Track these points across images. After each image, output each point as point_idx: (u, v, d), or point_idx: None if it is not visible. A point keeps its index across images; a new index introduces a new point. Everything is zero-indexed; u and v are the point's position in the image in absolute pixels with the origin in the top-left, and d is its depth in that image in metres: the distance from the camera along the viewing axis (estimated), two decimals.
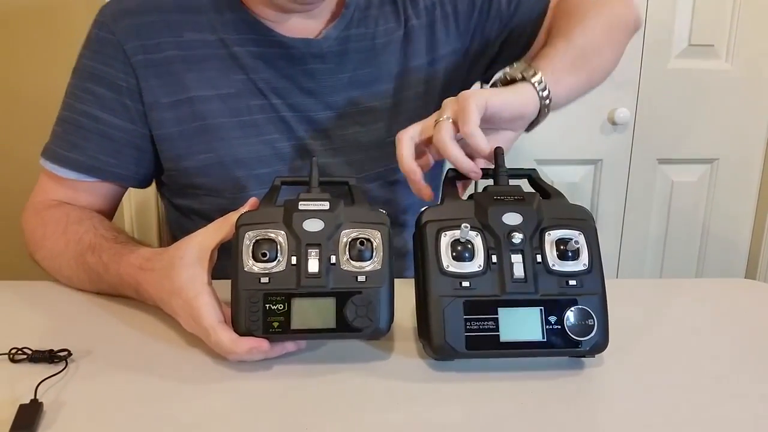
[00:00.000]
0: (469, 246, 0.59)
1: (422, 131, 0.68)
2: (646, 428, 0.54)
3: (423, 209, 0.63)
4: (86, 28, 0.84)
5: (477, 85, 0.99)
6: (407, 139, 0.67)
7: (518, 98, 0.70)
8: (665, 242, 1.66)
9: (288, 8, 0.81)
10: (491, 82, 0.77)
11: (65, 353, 0.62)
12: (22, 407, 0.53)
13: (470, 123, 0.64)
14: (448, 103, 0.68)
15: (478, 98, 0.66)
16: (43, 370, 0.60)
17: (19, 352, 0.62)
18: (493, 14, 0.91)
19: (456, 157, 0.65)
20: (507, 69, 0.74)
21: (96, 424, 0.53)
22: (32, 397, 0.55)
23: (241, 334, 0.59)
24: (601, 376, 0.61)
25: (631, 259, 1.65)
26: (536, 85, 0.71)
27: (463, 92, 0.68)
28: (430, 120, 0.68)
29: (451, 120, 0.66)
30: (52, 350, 0.62)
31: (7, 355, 0.62)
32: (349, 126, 0.87)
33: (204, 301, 0.61)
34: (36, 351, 0.62)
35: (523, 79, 0.72)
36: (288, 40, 0.83)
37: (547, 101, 0.72)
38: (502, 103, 0.68)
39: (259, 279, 0.58)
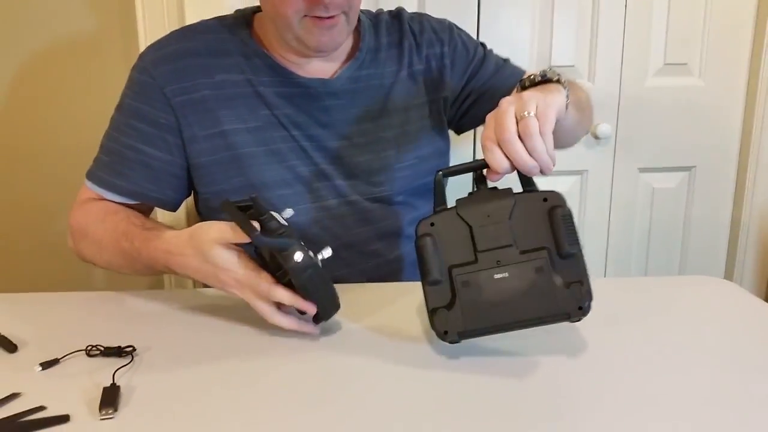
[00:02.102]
0: None
1: (495, 126, 0.71)
2: (617, 415, 0.67)
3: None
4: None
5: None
6: (494, 146, 0.70)
7: (563, 100, 0.78)
8: (648, 245, 1.75)
9: (308, 55, 0.94)
10: (525, 77, 0.83)
11: (131, 348, 0.76)
12: (105, 389, 0.67)
13: (550, 129, 0.70)
14: (532, 100, 0.71)
15: (558, 105, 0.73)
16: (114, 362, 0.73)
17: (94, 348, 0.76)
18: (480, 75, 1.06)
19: (541, 150, 0.69)
20: (544, 70, 0.82)
21: (163, 401, 0.67)
22: (111, 382, 0.69)
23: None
24: (575, 370, 0.73)
25: (617, 262, 1.75)
26: (565, 91, 0.80)
27: (539, 94, 0.73)
28: (504, 114, 0.71)
29: (534, 115, 0.70)
30: (120, 346, 0.76)
31: (84, 351, 0.76)
32: (361, 154, 0.99)
33: (256, 272, 0.75)
34: (107, 347, 0.76)
35: (558, 81, 0.80)
36: (306, 81, 0.96)
37: (566, 108, 0.78)
38: (562, 107, 0.76)
39: None
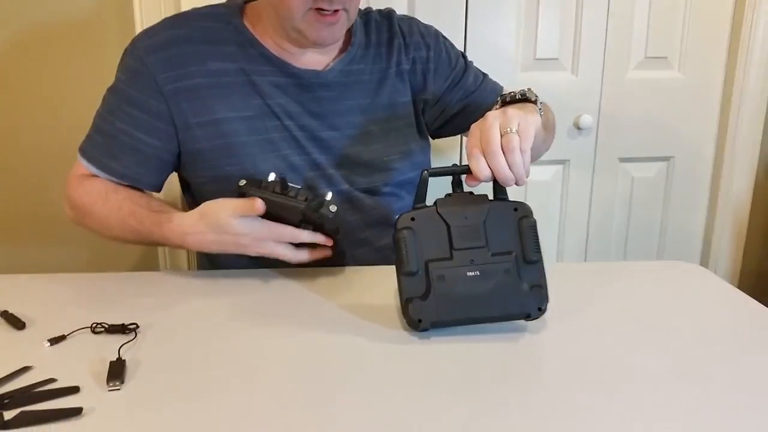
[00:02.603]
0: None
1: (481, 138, 0.78)
2: (583, 383, 0.73)
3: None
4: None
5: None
6: (480, 155, 0.77)
7: (539, 120, 0.86)
8: (627, 232, 1.81)
9: (306, 46, 0.98)
10: (506, 93, 0.91)
11: (134, 326, 0.80)
12: (112, 363, 0.72)
13: (529, 146, 0.77)
14: (515, 117, 0.78)
15: (536, 123, 0.81)
16: (118, 338, 0.78)
17: (99, 326, 0.80)
18: (460, 85, 1.12)
19: (519, 164, 0.76)
20: (523, 90, 0.90)
21: (166, 374, 0.71)
22: (117, 356, 0.73)
23: None
24: (545, 346, 0.79)
25: (597, 248, 1.80)
26: (540, 111, 0.88)
27: (521, 113, 0.79)
28: (490, 127, 0.77)
29: (516, 132, 0.77)
30: (124, 324, 0.80)
31: (89, 329, 0.80)
32: (351, 145, 1.04)
33: (275, 225, 0.88)
34: (111, 325, 0.80)
35: (534, 102, 0.89)
36: (300, 72, 1.00)
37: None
38: (539, 126, 0.84)
39: None
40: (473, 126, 0.81)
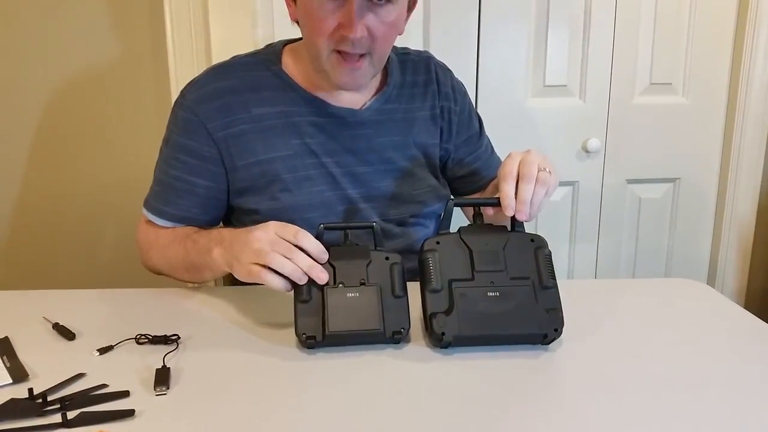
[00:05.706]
0: None
1: (521, 163, 0.88)
2: (595, 399, 0.78)
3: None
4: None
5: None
6: (513, 180, 0.87)
7: None
8: (636, 251, 1.86)
9: (333, 88, 1.04)
10: None
11: (176, 337, 0.87)
12: (158, 370, 0.78)
13: (554, 190, 0.90)
14: (546, 161, 0.90)
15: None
16: (161, 348, 0.84)
17: (143, 337, 0.87)
18: (474, 147, 1.20)
19: (539, 199, 0.87)
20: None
21: (209, 381, 0.78)
22: (162, 364, 0.80)
23: None
24: (558, 359, 0.84)
25: (606, 267, 1.85)
26: None
27: (549, 161, 0.90)
28: (532, 161, 0.88)
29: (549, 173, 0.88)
30: (166, 335, 0.87)
31: (134, 339, 0.86)
32: (382, 179, 1.09)
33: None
34: (155, 336, 0.86)
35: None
36: (338, 110, 1.05)
37: None
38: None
39: None
40: (514, 153, 0.90)
